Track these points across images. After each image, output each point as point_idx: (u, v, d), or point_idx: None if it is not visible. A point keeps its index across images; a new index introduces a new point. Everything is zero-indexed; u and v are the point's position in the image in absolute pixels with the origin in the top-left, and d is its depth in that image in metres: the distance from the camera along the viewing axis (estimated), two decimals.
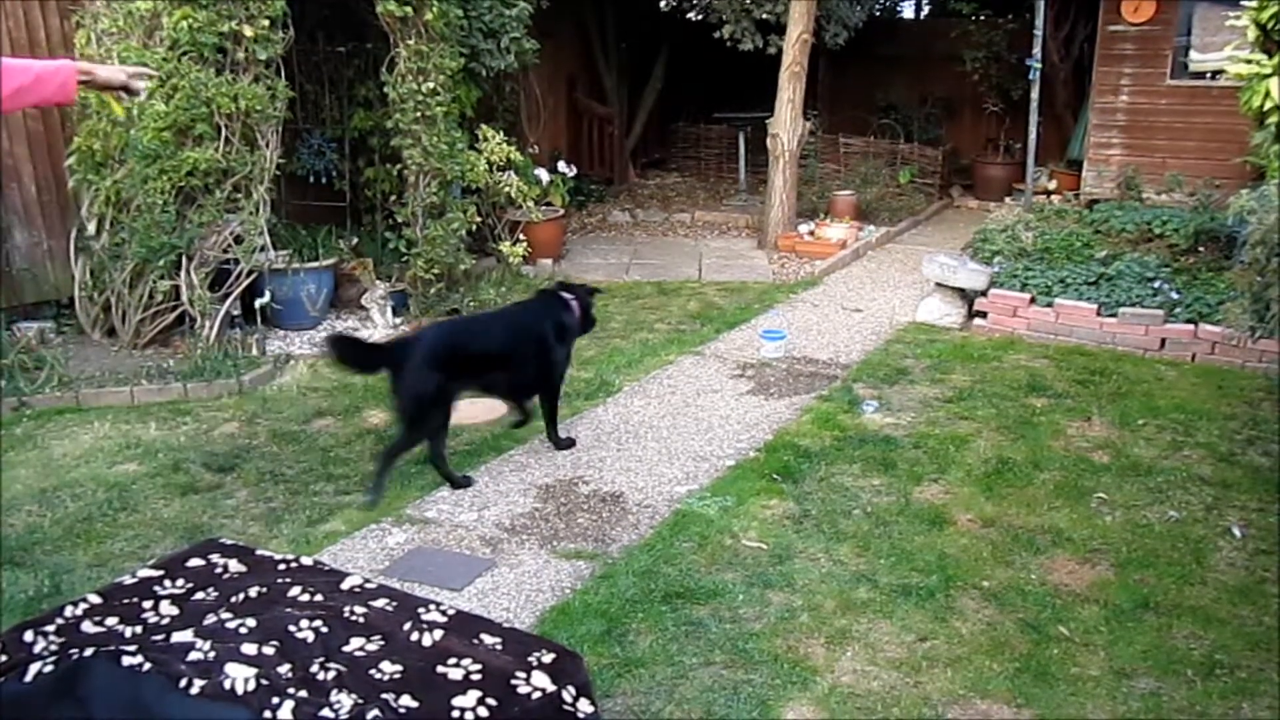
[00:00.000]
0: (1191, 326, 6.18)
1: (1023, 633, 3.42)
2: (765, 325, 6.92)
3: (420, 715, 2.51)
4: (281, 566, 3.12)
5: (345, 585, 3.07)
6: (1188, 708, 3.05)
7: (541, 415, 4.91)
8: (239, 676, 2.56)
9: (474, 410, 5.42)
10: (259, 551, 3.27)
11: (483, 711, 2.54)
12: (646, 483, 4.61)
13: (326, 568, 3.22)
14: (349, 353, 4.54)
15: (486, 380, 4.72)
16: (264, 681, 2.56)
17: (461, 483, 4.55)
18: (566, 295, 4.93)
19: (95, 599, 3.01)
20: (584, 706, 2.73)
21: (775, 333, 6.50)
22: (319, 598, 2.98)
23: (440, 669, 2.67)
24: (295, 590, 2.96)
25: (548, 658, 2.79)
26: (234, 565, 3.15)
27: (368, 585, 3.10)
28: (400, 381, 4.32)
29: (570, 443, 4.99)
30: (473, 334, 4.76)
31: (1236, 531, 4.09)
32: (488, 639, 2.84)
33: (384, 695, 2.54)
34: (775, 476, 4.60)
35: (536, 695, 2.64)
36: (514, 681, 2.66)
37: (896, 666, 3.24)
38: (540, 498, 4.46)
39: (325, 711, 2.48)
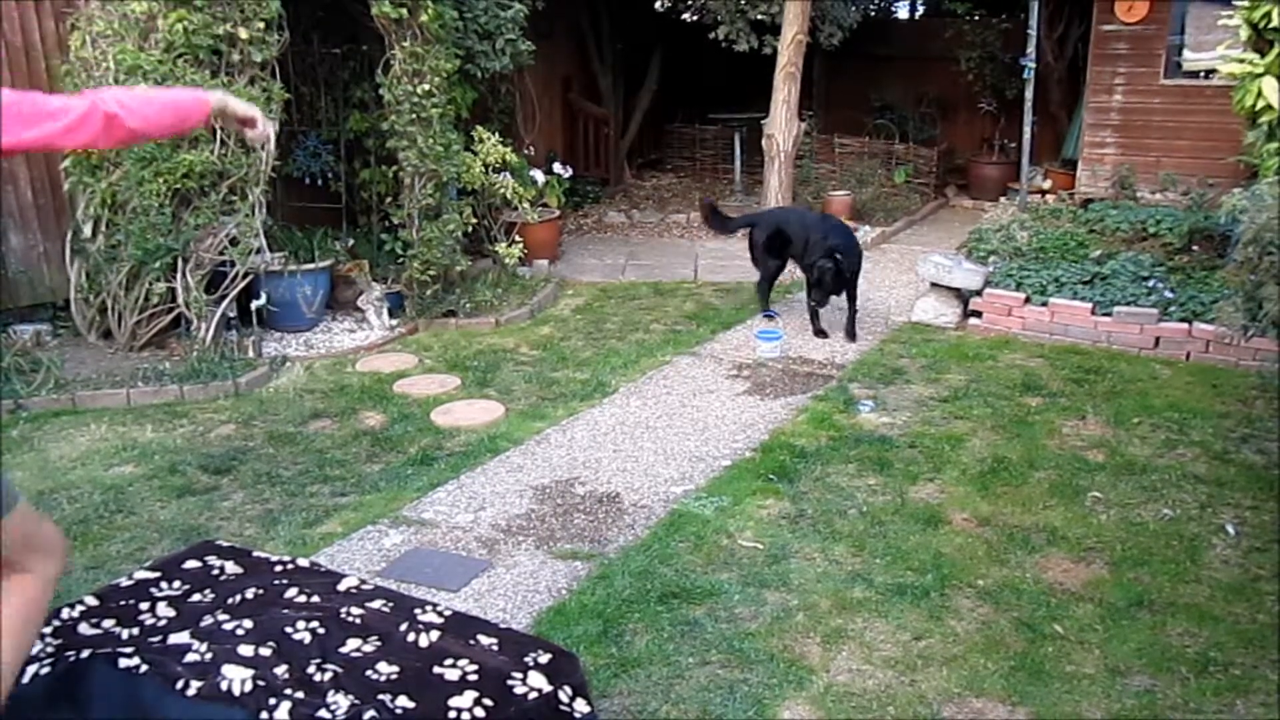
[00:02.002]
0: (1186, 325, 6.20)
1: (1018, 631, 3.43)
2: (761, 326, 6.92)
3: (417, 716, 2.52)
4: (278, 568, 3.14)
5: (342, 586, 3.09)
6: (1182, 705, 3.06)
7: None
8: (236, 678, 2.58)
9: (470, 412, 5.43)
10: (255, 553, 3.28)
11: (479, 712, 2.56)
12: (643, 483, 4.61)
13: (323, 569, 3.24)
14: (714, 220, 7.65)
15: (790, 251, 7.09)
16: (261, 683, 2.58)
17: (771, 315, 6.88)
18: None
19: (92, 601, 3.03)
20: (580, 707, 2.74)
21: (771, 333, 6.51)
22: (315, 599, 2.99)
23: (437, 669, 2.68)
24: (292, 592, 2.97)
25: (544, 658, 2.80)
26: (230, 567, 3.16)
27: (364, 586, 3.11)
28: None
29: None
30: (789, 221, 7.24)
31: (1230, 529, 4.10)
32: (484, 640, 2.85)
33: (381, 696, 2.55)
34: (771, 476, 4.61)
35: (533, 696, 2.65)
36: (510, 682, 2.67)
37: (892, 665, 3.26)
38: (537, 499, 4.47)
39: (322, 713, 2.49)
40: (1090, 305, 6.52)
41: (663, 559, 3.88)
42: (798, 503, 4.37)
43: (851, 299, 6.93)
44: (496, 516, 4.30)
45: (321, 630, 2.82)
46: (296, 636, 2.80)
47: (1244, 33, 4.82)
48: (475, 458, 4.88)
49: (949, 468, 4.71)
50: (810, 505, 4.35)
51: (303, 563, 3.24)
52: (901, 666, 3.25)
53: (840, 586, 3.71)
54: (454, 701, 2.58)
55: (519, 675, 2.71)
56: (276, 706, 2.51)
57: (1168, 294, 6.50)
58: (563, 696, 2.72)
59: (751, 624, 3.47)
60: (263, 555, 3.26)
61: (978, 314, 6.94)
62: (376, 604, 3.00)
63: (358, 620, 2.91)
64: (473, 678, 2.67)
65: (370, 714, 2.50)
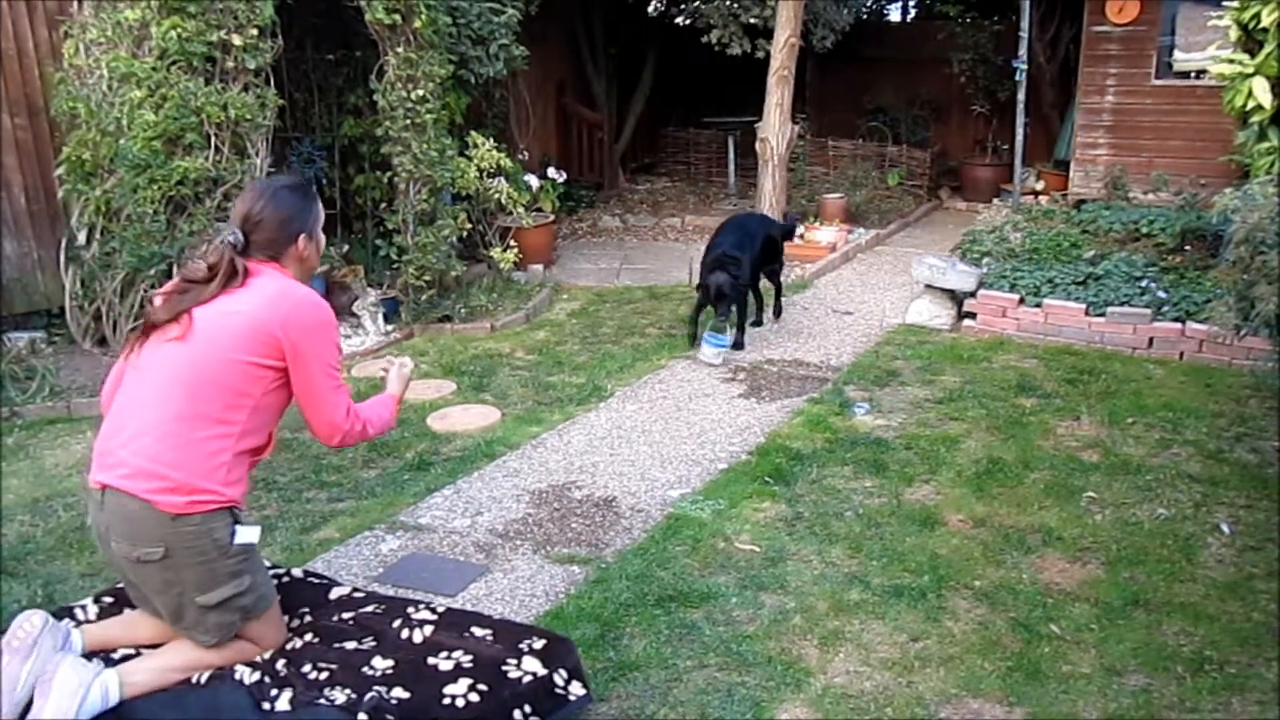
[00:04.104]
0: (1179, 325, 6.22)
1: (1014, 631, 3.44)
2: (754, 329, 6.93)
3: (412, 704, 2.54)
4: (273, 582, 3.13)
5: (333, 595, 3.09)
6: (1178, 704, 3.07)
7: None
8: (242, 670, 2.65)
9: (466, 417, 5.44)
10: None
11: (474, 697, 2.58)
12: (639, 487, 4.62)
13: (316, 580, 3.23)
14: None
15: None
16: (266, 678, 2.61)
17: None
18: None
19: (92, 606, 3.03)
20: (576, 689, 2.75)
21: (717, 336, 6.34)
22: (304, 609, 3.00)
23: (431, 660, 2.70)
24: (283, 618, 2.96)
25: (539, 644, 2.81)
26: None
27: (355, 594, 3.11)
28: None
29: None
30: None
31: (1225, 528, 4.12)
32: (479, 631, 2.86)
33: (376, 688, 2.57)
34: (767, 479, 4.62)
35: (527, 679, 2.67)
36: (505, 667, 2.69)
37: (889, 667, 3.26)
38: (533, 503, 4.47)
39: (322, 701, 2.53)
40: (1084, 306, 6.54)
41: (660, 562, 3.89)
42: (794, 505, 4.38)
43: (775, 287, 7.22)
44: (493, 521, 4.30)
45: (315, 639, 2.83)
46: (289, 645, 2.81)
47: (1234, 33, 4.84)
48: (472, 463, 4.89)
49: (944, 469, 4.72)
50: (806, 508, 4.35)
51: (297, 573, 3.23)
52: (899, 668, 3.26)
53: (837, 588, 3.71)
54: (449, 689, 2.59)
55: (513, 661, 2.72)
56: (278, 697, 2.54)
57: (1161, 294, 6.52)
58: (558, 679, 2.72)
59: (749, 626, 3.48)
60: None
61: (972, 315, 6.96)
62: (369, 608, 3.01)
63: (351, 623, 2.91)
64: (467, 665, 2.68)
65: (370, 695, 2.52)
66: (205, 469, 2.58)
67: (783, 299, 7.37)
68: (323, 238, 2.97)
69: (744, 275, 6.35)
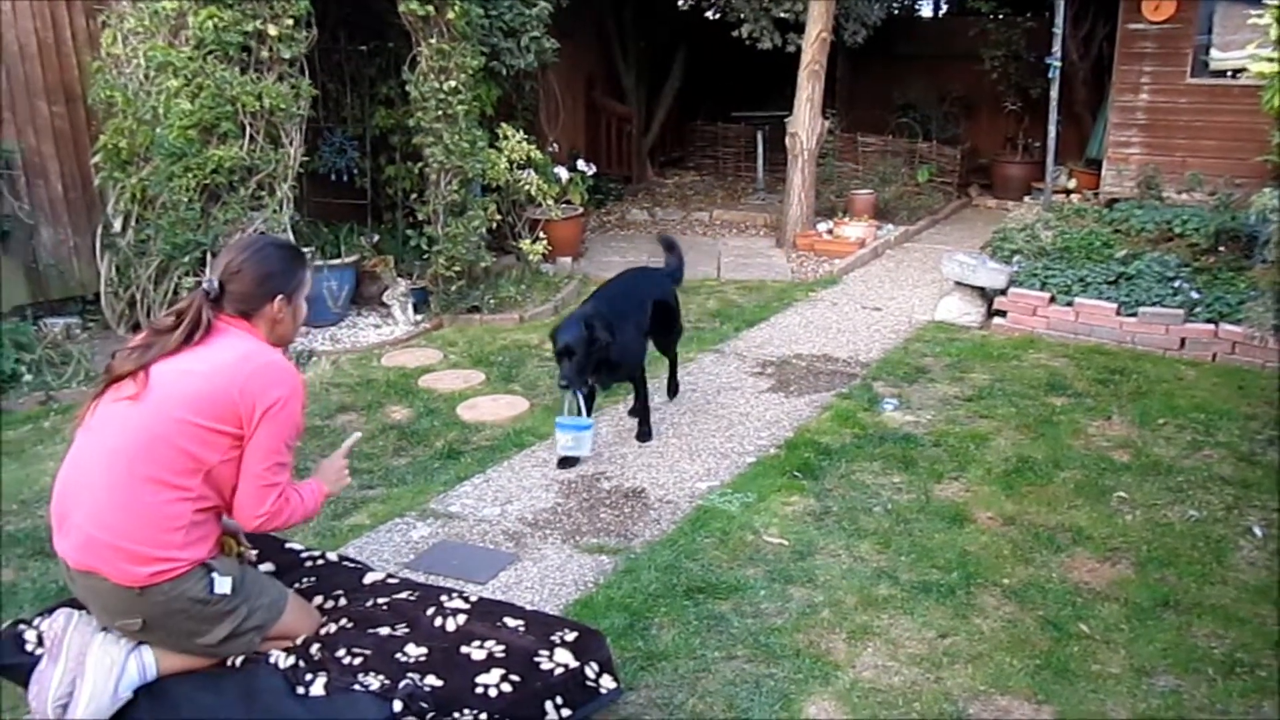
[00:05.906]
0: (1212, 326, 6.16)
1: (1043, 630, 3.43)
2: (783, 323, 6.91)
3: (445, 693, 2.57)
4: (308, 564, 3.16)
5: (367, 580, 3.12)
6: (1208, 706, 3.06)
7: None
8: (277, 654, 2.68)
9: (495, 407, 5.47)
10: (287, 545, 3.31)
11: (506, 687, 2.60)
12: (668, 479, 4.64)
13: (350, 564, 3.26)
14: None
15: None
16: (301, 662, 2.65)
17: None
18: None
19: None
20: (606, 682, 2.77)
21: (576, 428, 4.71)
22: (339, 593, 3.03)
23: (464, 649, 2.72)
24: (318, 600, 3.00)
25: (570, 636, 2.83)
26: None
27: (390, 580, 3.14)
28: None
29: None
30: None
31: (1257, 531, 4.09)
32: (511, 621, 2.88)
33: (410, 675, 2.60)
34: (796, 473, 4.62)
35: (559, 671, 2.69)
36: (537, 659, 2.71)
37: (917, 662, 3.26)
38: (563, 493, 4.50)
39: (357, 686, 2.56)
40: (1115, 305, 6.49)
41: (689, 554, 3.91)
42: (823, 500, 4.38)
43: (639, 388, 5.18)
44: (523, 510, 4.33)
45: (350, 624, 2.86)
46: (323, 630, 2.85)
47: (1273, 32, 4.80)
48: (501, 452, 4.92)
49: (974, 466, 4.71)
50: (835, 502, 4.36)
51: (331, 557, 3.27)
52: (927, 664, 3.26)
53: (865, 583, 3.72)
54: (481, 679, 2.62)
55: (545, 652, 2.74)
56: (313, 682, 2.57)
57: (1194, 295, 6.46)
58: (589, 672, 2.74)
59: (777, 619, 3.49)
60: (293, 547, 3.29)
61: (1002, 313, 6.93)
62: (403, 595, 3.04)
63: (385, 609, 2.94)
64: (499, 656, 2.70)
65: (404, 682, 2.54)
66: (160, 535, 2.45)
67: (678, 378, 5.69)
68: (304, 307, 2.85)
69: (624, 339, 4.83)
